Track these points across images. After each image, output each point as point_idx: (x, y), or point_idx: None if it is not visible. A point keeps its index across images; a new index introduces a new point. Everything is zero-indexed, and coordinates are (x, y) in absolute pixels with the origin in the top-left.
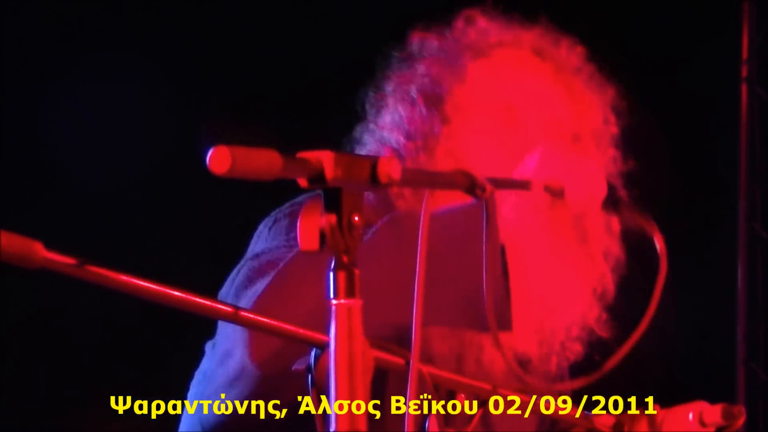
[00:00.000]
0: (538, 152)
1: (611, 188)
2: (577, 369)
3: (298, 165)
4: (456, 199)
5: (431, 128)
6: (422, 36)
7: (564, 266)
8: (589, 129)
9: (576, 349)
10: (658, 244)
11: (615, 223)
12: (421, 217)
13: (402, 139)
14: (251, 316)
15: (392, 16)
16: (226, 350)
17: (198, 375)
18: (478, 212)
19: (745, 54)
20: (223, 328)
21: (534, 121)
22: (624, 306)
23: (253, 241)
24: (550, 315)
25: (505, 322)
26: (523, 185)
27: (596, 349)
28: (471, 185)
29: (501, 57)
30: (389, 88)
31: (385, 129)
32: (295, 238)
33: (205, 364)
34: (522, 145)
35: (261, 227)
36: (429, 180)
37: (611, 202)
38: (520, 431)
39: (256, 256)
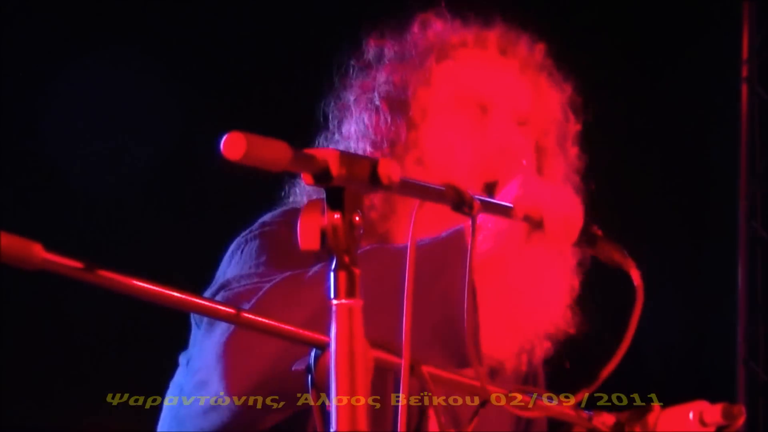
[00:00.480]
0: (518, 180)
1: (587, 224)
2: (551, 370)
3: (305, 160)
4: (442, 215)
5: (397, 135)
6: (378, 43)
7: (539, 276)
8: (554, 125)
9: (545, 346)
10: (635, 278)
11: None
12: (410, 227)
13: (369, 148)
14: (251, 317)
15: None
16: (202, 379)
17: (172, 388)
18: (447, 247)
19: (745, 54)
20: (198, 345)
21: (506, 118)
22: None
23: (225, 261)
24: (524, 317)
25: (474, 356)
26: (505, 211)
27: (566, 348)
28: (459, 202)
29: (466, 56)
30: (351, 97)
31: (351, 139)
32: (265, 263)
33: (179, 377)
34: (494, 144)
35: (233, 247)
36: (421, 190)
37: (587, 238)
38: (496, 431)
39: (227, 283)
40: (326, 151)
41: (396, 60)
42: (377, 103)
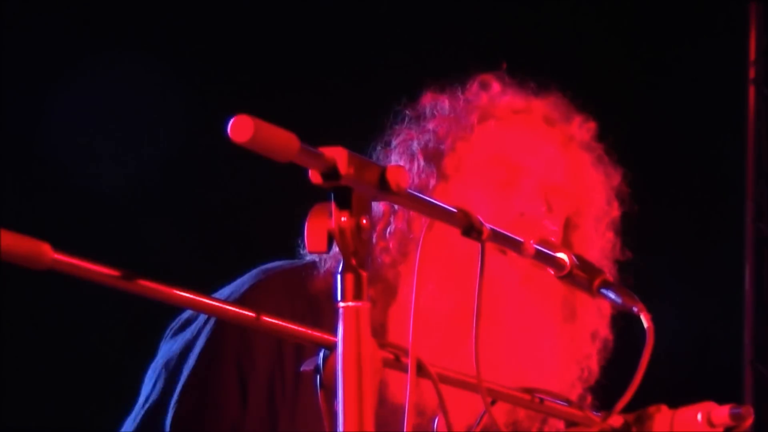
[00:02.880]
0: None
1: (599, 271)
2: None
3: (313, 154)
4: (452, 237)
5: (426, 182)
6: (435, 98)
7: (548, 341)
8: (590, 207)
9: (557, 425)
10: (645, 320)
11: (606, 305)
12: (420, 241)
13: None
14: (269, 320)
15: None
16: None
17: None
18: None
19: (752, 55)
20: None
21: (533, 188)
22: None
23: (230, 286)
24: (529, 379)
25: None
26: (515, 245)
27: None
28: (469, 226)
29: (509, 119)
30: (394, 143)
31: None
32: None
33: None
34: (515, 211)
35: (237, 284)
36: (430, 208)
37: (599, 285)
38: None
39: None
40: (334, 149)
41: (444, 114)
42: (415, 149)
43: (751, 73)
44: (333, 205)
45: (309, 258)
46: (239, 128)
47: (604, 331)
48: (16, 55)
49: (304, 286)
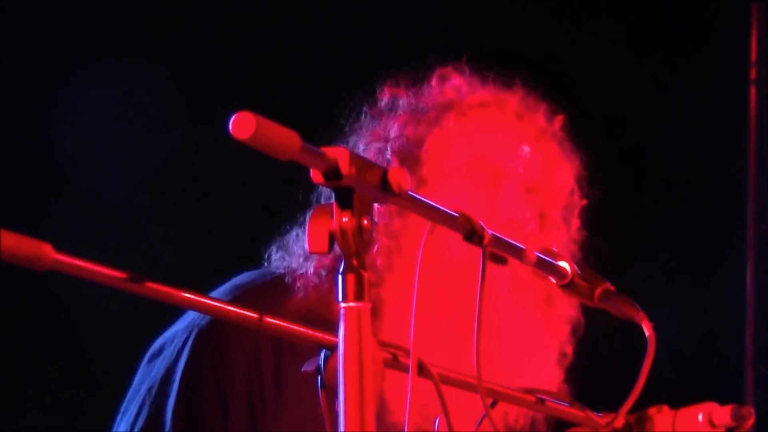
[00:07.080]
0: None
1: (601, 280)
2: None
3: (315, 153)
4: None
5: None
6: (393, 92)
7: (534, 333)
8: (561, 196)
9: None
10: (646, 329)
11: None
12: (421, 246)
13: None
14: (272, 320)
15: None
16: None
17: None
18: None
19: (753, 56)
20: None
21: (517, 188)
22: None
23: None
24: (516, 372)
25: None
26: (516, 252)
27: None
28: (471, 232)
29: (483, 117)
30: (361, 144)
31: None
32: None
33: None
34: (502, 213)
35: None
36: (431, 211)
37: (600, 294)
38: None
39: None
40: (336, 149)
41: (411, 112)
42: (388, 156)
43: (753, 74)
44: (334, 206)
45: (277, 270)
46: (241, 125)
47: (574, 312)
48: (18, 56)
49: (279, 303)
